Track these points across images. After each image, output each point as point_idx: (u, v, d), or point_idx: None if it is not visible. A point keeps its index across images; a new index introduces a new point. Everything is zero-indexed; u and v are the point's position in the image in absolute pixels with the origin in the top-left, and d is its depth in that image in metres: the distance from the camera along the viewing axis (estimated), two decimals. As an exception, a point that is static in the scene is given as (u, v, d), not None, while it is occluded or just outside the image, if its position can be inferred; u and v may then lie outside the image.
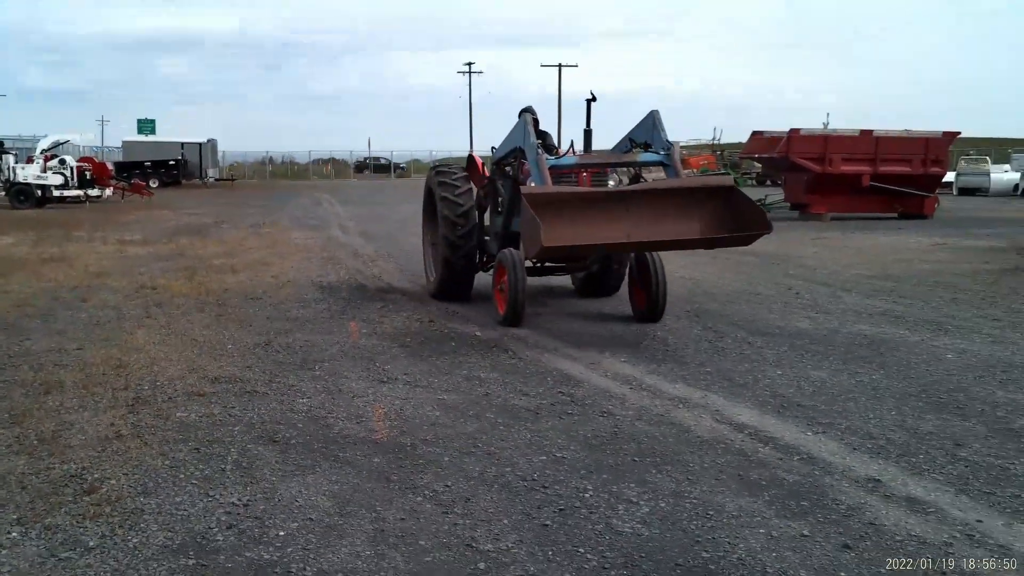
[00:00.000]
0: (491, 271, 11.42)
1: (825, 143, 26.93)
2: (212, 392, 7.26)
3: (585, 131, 10.81)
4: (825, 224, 25.37)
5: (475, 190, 11.64)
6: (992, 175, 42.69)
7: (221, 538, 4.54)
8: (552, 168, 9.57)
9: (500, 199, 11.45)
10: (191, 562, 4.28)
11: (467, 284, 11.70)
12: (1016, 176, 42.03)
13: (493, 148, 11.57)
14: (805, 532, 4.51)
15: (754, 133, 29.38)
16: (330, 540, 4.50)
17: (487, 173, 11.89)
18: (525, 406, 6.91)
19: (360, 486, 5.25)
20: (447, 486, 5.23)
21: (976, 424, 6.30)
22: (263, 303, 11.78)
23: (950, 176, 40.31)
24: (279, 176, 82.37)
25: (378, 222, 27.43)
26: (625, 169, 11.19)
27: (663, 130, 9.91)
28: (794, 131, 26.96)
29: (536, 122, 10.68)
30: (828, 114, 56.13)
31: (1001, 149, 60.01)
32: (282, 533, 4.59)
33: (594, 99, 10.54)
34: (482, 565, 4.21)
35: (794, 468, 5.44)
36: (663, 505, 4.90)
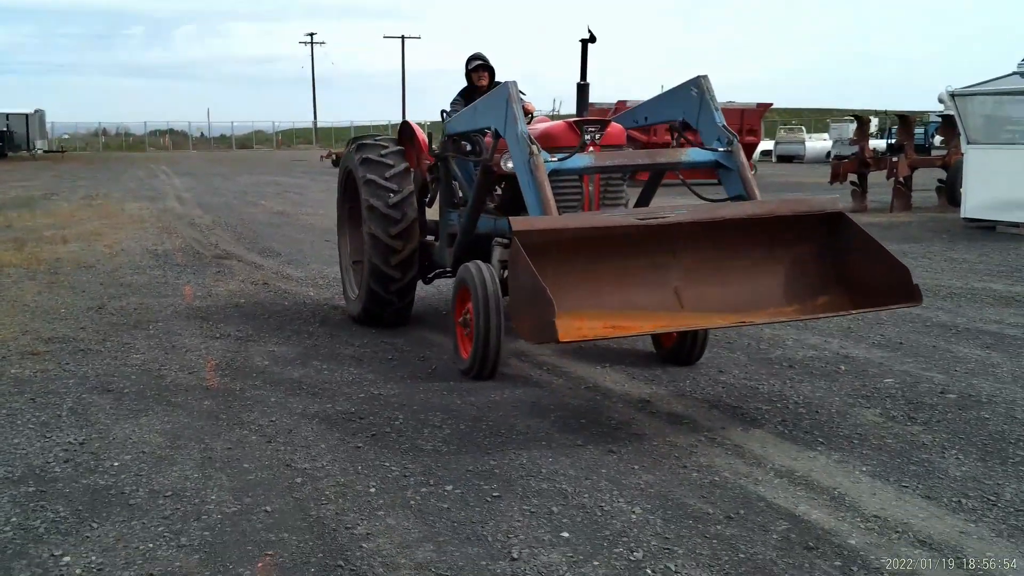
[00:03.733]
0: (433, 282, 9.09)
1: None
2: (46, 351, 7.57)
3: (579, 85, 7.57)
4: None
5: (413, 172, 8.37)
6: (807, 143, 45.56)
7: (59, 470, 4.99)
8: (552, 174, 6.26)
9: (455, 186, 8.31)
10: (31, 489, 4.72)
11: (405, 303, 8.43)
12: (829, 144, 44.91)
13: (444, 112, 8.48)
14: (579, 442, 5.28)
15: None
16: (161, 467, 5.01)
17: (433, 149, 8.54)
18: (350, 354, 7.51)
19: (190, 424, 5.75)
20: (272, 421, 5.80)
21: (740, 355, 7.27)
22: (96, 271, 11.94)
23: (770, 144, 42.77)
24: (113, 148, 79.59)
25: (216, 194, 27.33)
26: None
27: (717, 108, 6.63)
28: (620, 103, 28.17)
29: (491, 72, 8.53)
30: (662, 86, 58.21)
31: (821, 119, 63.46)
32: (116, 464, 5.07)
33: (593, 39, 7.24)
34: (299, 480, 4.81)
35: (580, 395, 6.24)
36: (463, 427, 5.60)
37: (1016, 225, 15.68)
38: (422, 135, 8.72)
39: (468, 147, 8.01)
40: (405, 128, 8.93)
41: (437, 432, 5.52)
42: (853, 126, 54.23)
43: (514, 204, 7.27)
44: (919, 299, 5.40)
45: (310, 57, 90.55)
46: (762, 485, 4.61)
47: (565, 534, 4.09)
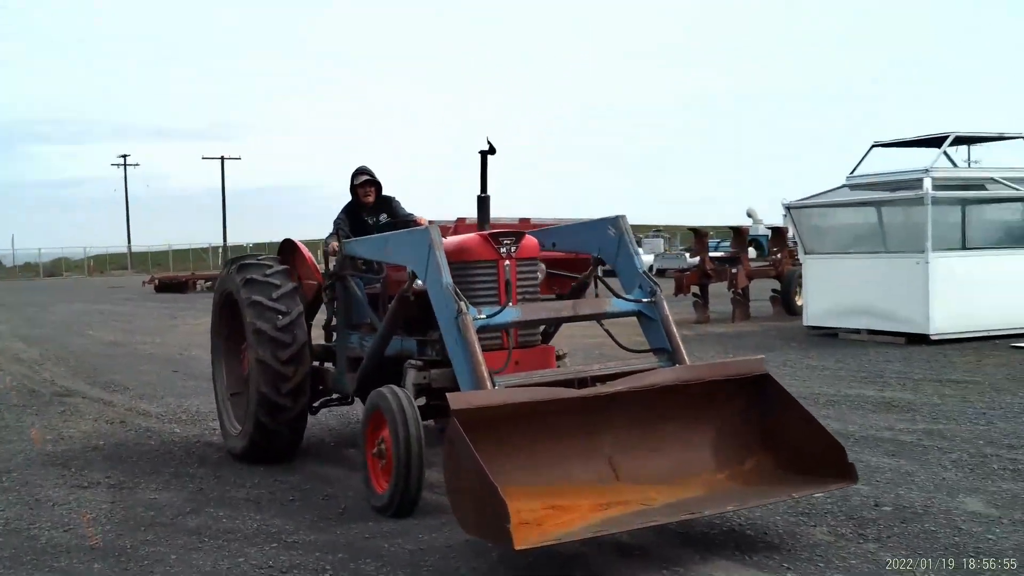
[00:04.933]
0: (320, 411, 8.55)
1: (490, 232, 28.54)
2: None
3: (480, 198, 7.21)
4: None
5: (299, 292, 7.85)
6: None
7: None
8: (479, 330, 5.92)
9: (351, 304, 7.80)
10: None
11: (296, 434, 7.87)
12: (651, 258, 46.54)
13: (339, 228, 7.90)
14: None
15: (459, 219, 30.66)
16: (66, 650, 4.30)
17: (326, 267, 8.03)
18: (245, 497, 6.87)
19: (86, 593, 5.03)
20: (181, 583, 5.13)
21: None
22: (-78, 416, 10.71)
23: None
24: (-97, 279, 74.06)
25: (35, 325, 25.57)
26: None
27: (636, 253, 6.63)
28: (460, 220, 28.33)
29: (378, 187, 8.21)
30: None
31: (637, 235, 65.91)
32: (10, 650, 4.32)
33: (492, 151, 7.03)
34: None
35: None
36: (401, 575, 5.10)
37: (857, 331, 16.36)
38: (308, 253, 8.35)
39: (364, 266, 7.76)
40: (287, 246, 8.50)
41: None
42: (661, 241, 57.09)
43: (424, 322, 6.96)
44: (854, 478, 5.45)
45: (123, 179, 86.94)
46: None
47: None
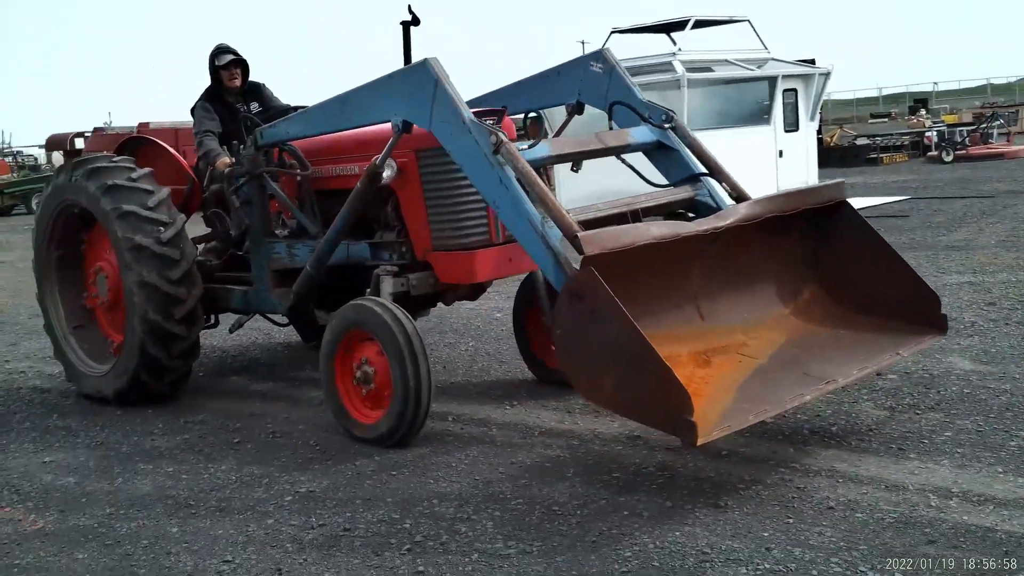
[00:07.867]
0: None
1: (176, 136, 26.72)
2: None
3: None
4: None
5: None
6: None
7: None
8: None
9: (267, 207, 6.42)
10: None
11: (185, 367, 6.57)
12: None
13: (203, 127, 6.73)
14: (653, 500, 4.30)
15: (96, 129, 28.06)
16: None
17: (239, 165, 6.30)
18: (177, 447, 5.65)
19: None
20: (225, 561, 4.02)
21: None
22: None
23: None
24: None
25: None
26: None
27: (634, 83, 5.81)
28: (142, 124, 26.57)
29: (246, 68, 7.04)
30: (110, 113, 52.46)
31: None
32: None
33: (416, 22, 6.13)
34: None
35: (554, 443, 5.17)
36: (495, 515, 4.30)
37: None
38: (173, 151, 7.01)
39: (289, 154, 6.19)
40: (139, 144, 7.12)
41: (481, 527, 4.18)
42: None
43: (369, 221, 5.96)
44: (944, 328, 5.11)
45: None
46: (918, 507, 4.04)
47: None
